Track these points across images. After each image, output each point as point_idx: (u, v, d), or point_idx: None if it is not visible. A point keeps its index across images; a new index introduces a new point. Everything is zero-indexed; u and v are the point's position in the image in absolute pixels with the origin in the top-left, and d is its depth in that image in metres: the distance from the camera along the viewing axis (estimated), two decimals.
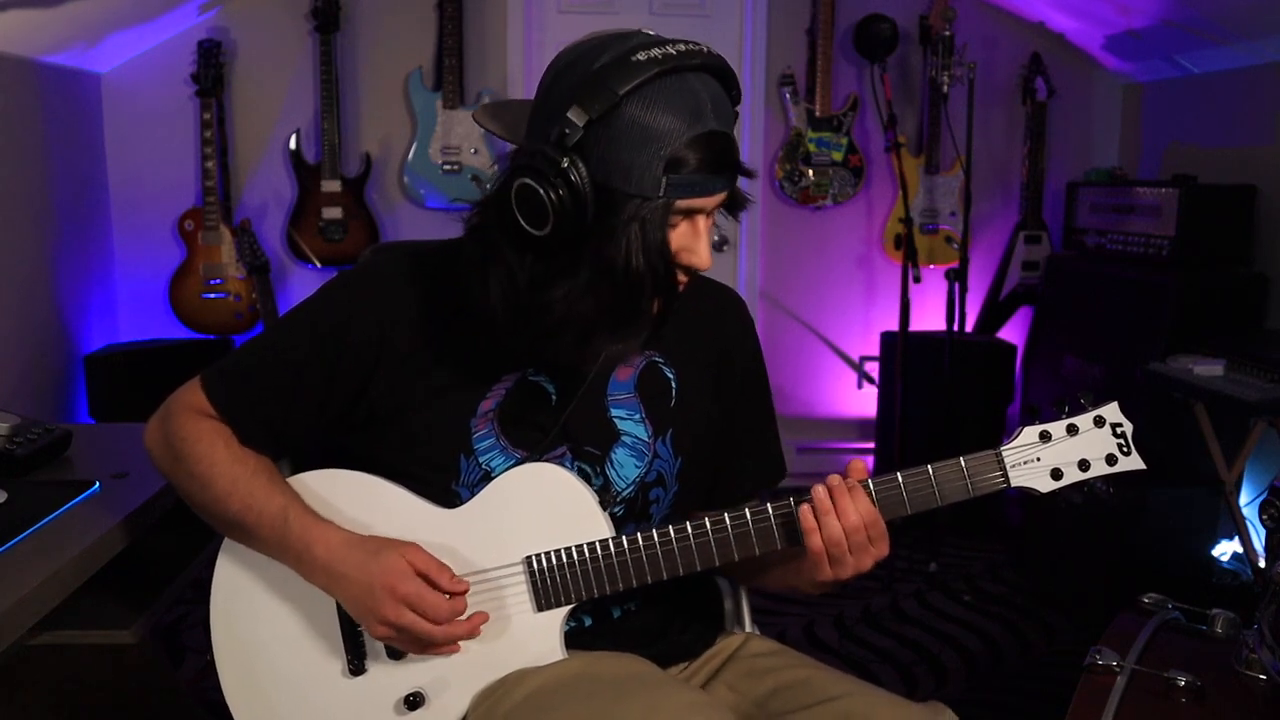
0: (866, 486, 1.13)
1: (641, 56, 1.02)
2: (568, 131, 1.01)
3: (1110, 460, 1.14)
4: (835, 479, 1.12)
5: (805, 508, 1.11)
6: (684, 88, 1.03)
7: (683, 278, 1.13)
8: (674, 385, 1.27)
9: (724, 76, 1.09)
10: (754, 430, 1.36)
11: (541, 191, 1.03)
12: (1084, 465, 1.14)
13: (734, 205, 1.14)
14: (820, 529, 1.11)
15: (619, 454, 1.24)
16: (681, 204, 1.06)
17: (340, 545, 1.15)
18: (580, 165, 1.02)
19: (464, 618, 1.14)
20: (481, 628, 1.15)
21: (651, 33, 1.08)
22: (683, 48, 1.05)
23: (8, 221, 3.04)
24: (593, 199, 1.03)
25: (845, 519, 1.10)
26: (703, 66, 1.06)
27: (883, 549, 1.13)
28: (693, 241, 1.10)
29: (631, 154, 1.02)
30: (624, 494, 1.24)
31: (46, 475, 1.53)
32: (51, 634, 1.35)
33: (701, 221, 1.10)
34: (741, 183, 1.15)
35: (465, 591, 1.14)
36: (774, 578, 1.29)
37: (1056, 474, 1.14)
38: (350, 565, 1.13)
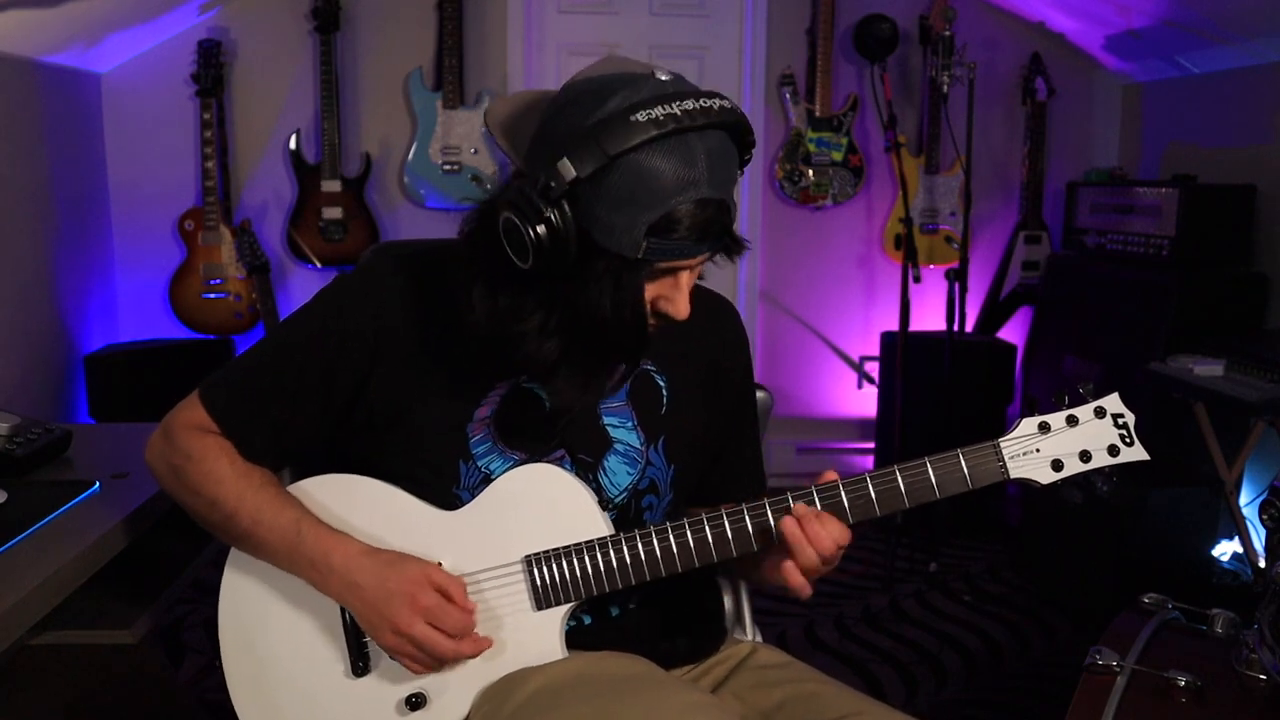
0: (839, 504, 1.13)
1: (641, 117, 0.98)
2: (554, 184, 1.00)
3: (1113, 451, 1.13)
4: (801, 508, 1.11)
5: (787, 530, 1.11)
6: (682, 150, 1.00)
7: (654, 323, 1.12)
8: (665, 393, 1.28)
9: (735, 130, 1.06)
10: (740, 444, 1.37)
11: (523, 229, 1.03)
12: (1085, 456, 1.13)
13: (730, 251, 1.12)
14: (798, 559, 1.11)
15: (611, 461, 1.24)
16: (661, 265, 1.06)
17: (357, 554, 1.15)
18: (566, 212, 1.02)
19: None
20: (482, 626, 1.16)
21: (665, 77, 1.04)
22: (691, 105, 1.00)
23: (8, 221, 3.04)
24: (574, 245, 1.03)
25: (819, 545, 1.10)
26: (711, 125, 1.02)
27: (843, 550, 1.14)
28: (672, 292, 1.10)
29: (615, 214, 1.01)
30: (616, 501, 1.24)
31: (46, 475, 1.53)
32: (51, 634, 1.34)
33: (684, 276, 1.09)
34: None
35: (473, 610, 1.15)
36: (761, 575, 1.28)
37: (1057, 465, 1.13)
38: (368, 574, 1.14)
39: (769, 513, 1.14)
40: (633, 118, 0.99)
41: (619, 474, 1.24)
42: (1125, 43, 3.70)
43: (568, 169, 1.00)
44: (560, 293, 1.07)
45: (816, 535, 1.10)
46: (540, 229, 1.02)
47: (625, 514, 1.25)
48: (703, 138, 1.01)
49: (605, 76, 1.05)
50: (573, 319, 1.07)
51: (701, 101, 1.02)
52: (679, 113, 0.99)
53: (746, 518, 1.14)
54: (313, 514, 1.18)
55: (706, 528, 1.15)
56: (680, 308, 1.10)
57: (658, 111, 0.99)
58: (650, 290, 1.09)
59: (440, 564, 1.18)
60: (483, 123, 3.71)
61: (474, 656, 1.15)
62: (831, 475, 1.14)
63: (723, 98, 1.05)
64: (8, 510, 1.34)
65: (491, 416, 1.21)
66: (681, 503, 1.30)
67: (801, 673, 1.28)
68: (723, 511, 1.15)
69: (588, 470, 1.23)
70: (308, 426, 1.22)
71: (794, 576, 1.12)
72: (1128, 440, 1.14)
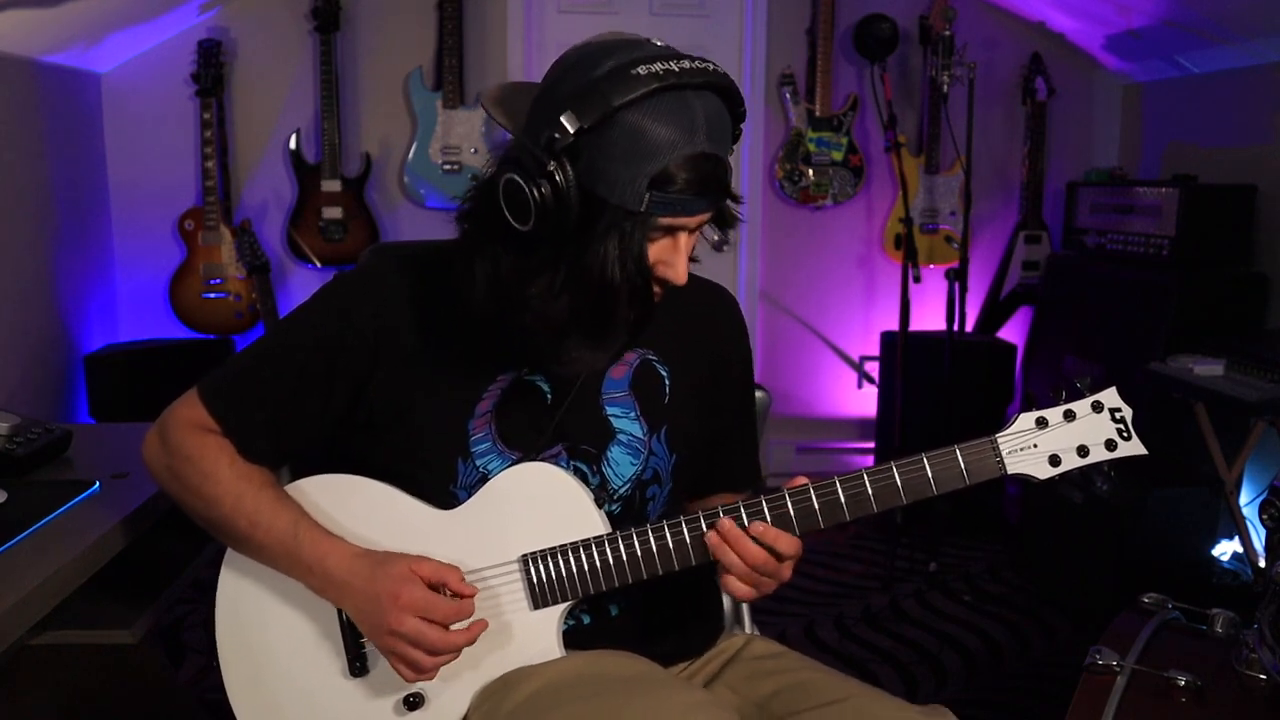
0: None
1: (642, 70, 1.01)
2: (557, 136, 1.01)
3: (1110, 445, 1.13)
4: (726, 524, 1.12)
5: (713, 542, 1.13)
6: (681, 105, 1.02)
7: (658, 289, 1.13)
8: (667, 382, 1.28)
9: (728, 95, 1.07)
10: (738, 434, 1.38)
11: (526, 188, 1.03)
12: (1083, 451, 1.13)
13: (723, 221, 1.14)
14: (728, 569, 1.13)
15: (615, 452, 1.24)
16: (663, 220, 1.06)
17: (350, 557, 1.15)
18: (567, 169, 1.03)
19: (465, 625, 1.14)
20: (479, 627, 1.16)
21: (661, 43, 1.07)
22: (687, 65, 1.03)
23: (8, 221, 3.04)
24: (577, 202, 1.04)
25: (746, 557, 1.11)
26: (706, 85, 1.04)
27: (790, 567, 1.15)
28: (671, 256, 1.10)
29: (618, 166, 1.02)
30: (620, 492, 1.24)
31: (46, 475, 1.52)
32: (51, 634, 1.34)
33: (683, 238, 1.10)
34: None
35: (473, 595, 1.14)
36: None
37: (1054, 460, 1.13)
38: (358, 575, 1.14)
39: (765, 508, 1.14)
40: (634, 71, 1.01)
41: (622, 465, 1.24)
42: (1125, 43, 3.70)
43: (571, 121, 1.01)
44: (564, 253, 1.07)
45: (745, 551, 1.11)
46: (543, 186, 1.03)
47: (630, 505, 1.25)
48: (700, 96, 1.04)
49: (602, 41, 1.07)
50: (578, 279, 1.07)
51: (697, 63, 1.04)
52: (677, 69, 1.02)
53: (743, 514, 1.14)
54: (310, 517, 1.18)
55: (703, 525, 1.15)
56: (679, 272, 1.11)
57: (658, 66, 1.02)
58: (650, 253, 1.09)
59: None
60: (483, 120, 3.72)
61: (470, 644, 1.14)
62: (802, 480, 1.15)
63: (716, 64, 1.07)
64: (8, 510, 1.34)
65: (492, 410, 1.21)
66: (682, 492, 1.31)
67: (794, 662, 1.29)
68: (719, 508, 1.15)
69: (591, 462, 1.23)
70: (308, 426, 1.22)
71: (731, 585, 1.13)
72: (1125, 435, 1.14)
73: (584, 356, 1.13)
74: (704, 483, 1.35)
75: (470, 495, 1.19)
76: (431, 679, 1.15)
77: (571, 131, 1.01)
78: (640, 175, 1.02)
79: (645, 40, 1.07)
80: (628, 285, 1.07)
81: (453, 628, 1.12)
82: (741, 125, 1.11)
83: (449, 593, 1.13)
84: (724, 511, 1.14)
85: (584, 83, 1.02)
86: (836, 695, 1.19)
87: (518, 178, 1.04)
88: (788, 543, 1.12)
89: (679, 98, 1.02)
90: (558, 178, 1.02)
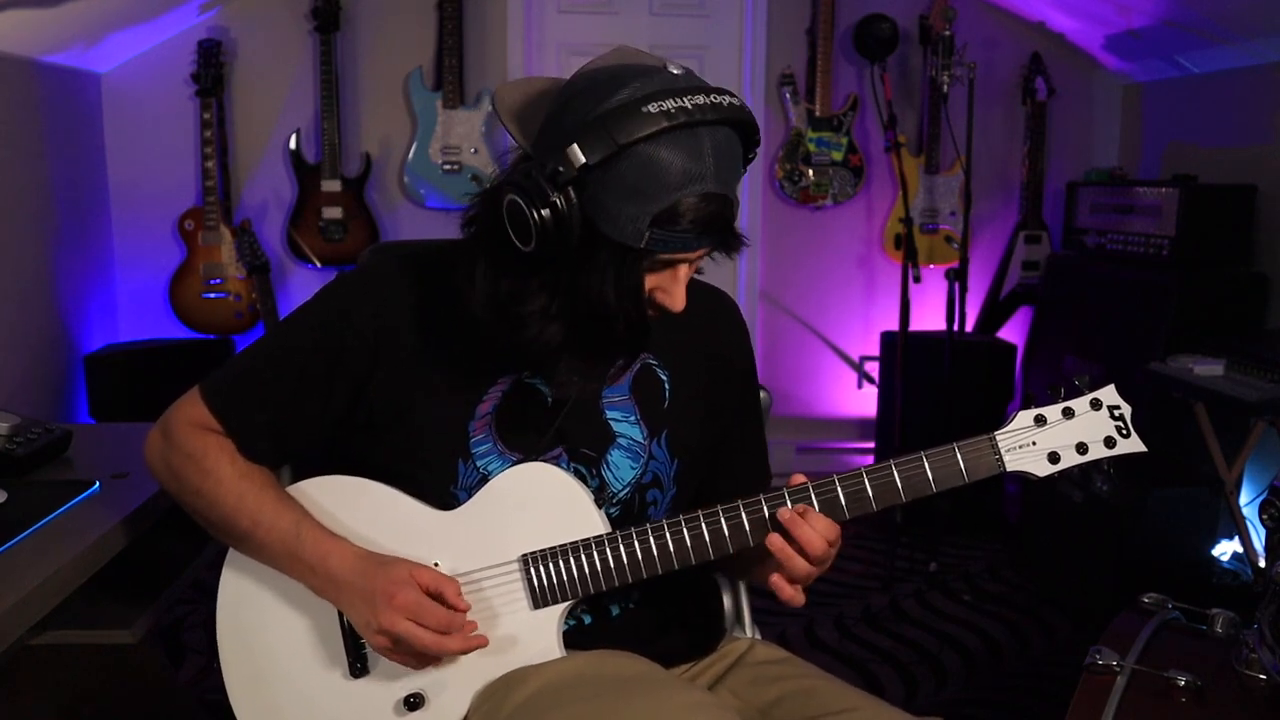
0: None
1: (653, 108, 0.99)
2: (562, 169, 1.01)
3: (1109, 443, 1.13)
4: (785, 512, 1.11)
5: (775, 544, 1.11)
6: (691, 144, 1.01)
7: (652, 314, 1.13)
8: (666, 387, 1.28)
9: (742, 128, 1.06)
10: (743, 438, 1.37)
11: (528, 212, 1.03)
12: (1082, 448, 1.13)
13: (728, 248, 1.12)
14: (787, 570, 1.11)
15: (614, 455, 1.24)
16: (663, 256, 1.06)
17: (352, 557, 1.16)
18: (571, 199, 1.02)
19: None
20: (479, 626, 1.15)
21: (677, 71, 1.05)
22: (701, 100, 1.01)
23: (8, 221, 3.04)
24: (578, 232, 1.03)
25: (810, 548, 1.10)
26: (720, 121, 1.02)
27: (836, 547, 1.14)
28: (670, 284, 1.10)
29: (621, 203, 1.02)
30: (620, 495, 1.24)
31: (46, 475, 1.52)
32: (51, 634, 1.34)
33: (683, 269, 1.10)
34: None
35: (466, 610, 1.14)
36: (757, 573, 1.29)
37: (1053, 458, 1.13)
38: (357, 574, 1.14)
39: (764, 508, 1.14)
40: (644, 108, 0.99)
41: (622, 468, 1.24)
42: (1125, 43, 3.70)
43: (577, 155, 1.00)
44: (562, 278, 1.07)
45: (808, 539, 1.10)
46: (544, 211, 1.02)
47: (629, 508, 1.25)
48: (711, 133, 1.02)
49: (617, 67, 1.06)
50: (574, 305, 1.08)
51: (712, 97, 1.02)
52: (690, 106, 1.00)
53: (743, 514, 1.14)
54: (311, 517, 1.18)
55: (703, 525, 1.15)
56: (677, 300, 1.11)
57: (669, 104, 1.00)
58: (648, 281, 1.10)
59: (437, 564, 1.18)
60: (489, 111, 3.71)
61: (463, 653, 1.15)
62: (800, 478, 1.14)
63: (732, 95, 1.05)
64: (8, 510, 1.34)
65: (493, 413, 1.21)
66: (686, 497, 1.30)
67: (798, 669, 1.29)
68: (719, 508, 1.15)
69: (590, 465, 1.23)
70: (309, 426, 1.22)
71: (783, 590, 1.12)
72: (1124, 432, 1.14)
73: (575, 380, 1.14)
74: (708, 486, 1.34)
75: (471, 496, 1.19)
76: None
77: (577, 166, 1.00)
78: (643, 214, 1.02)
79: (662, 67, 1.06)
80: (623, 315, 1.07)
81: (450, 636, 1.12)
82: (755, 152, 1.10)
83: (447, 604, 1.13)
84: (724, 512, 1.14)
85: (594, 115, 1.01)
86: (840, 705, 1.19)
87: (521, 201, 1.03)
88: (828, 526, 1.11)
89: (690, 134, 1.01)
90: (560, 207, 1.02)
